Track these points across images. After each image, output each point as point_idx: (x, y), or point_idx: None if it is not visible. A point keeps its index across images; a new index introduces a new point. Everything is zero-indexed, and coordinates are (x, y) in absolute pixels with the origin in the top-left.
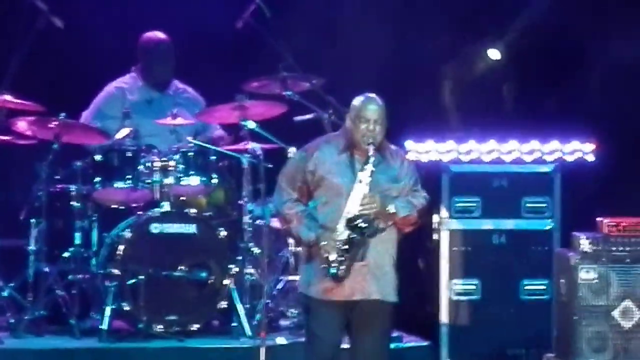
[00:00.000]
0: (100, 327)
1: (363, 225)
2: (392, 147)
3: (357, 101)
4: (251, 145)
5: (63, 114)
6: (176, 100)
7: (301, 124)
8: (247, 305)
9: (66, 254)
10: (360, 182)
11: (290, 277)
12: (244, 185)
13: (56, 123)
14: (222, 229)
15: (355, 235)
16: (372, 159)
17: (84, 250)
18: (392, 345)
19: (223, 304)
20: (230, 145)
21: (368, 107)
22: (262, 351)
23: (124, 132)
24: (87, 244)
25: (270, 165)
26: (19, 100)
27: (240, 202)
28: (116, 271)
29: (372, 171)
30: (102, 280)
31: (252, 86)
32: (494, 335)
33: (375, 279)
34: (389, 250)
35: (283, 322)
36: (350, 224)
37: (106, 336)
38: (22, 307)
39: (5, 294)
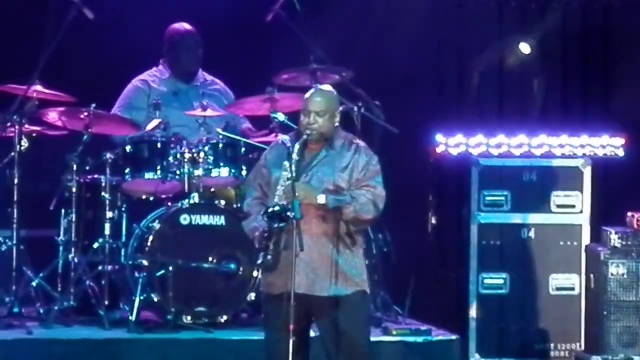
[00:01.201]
0: (128, 317)
1: (280, 213)
2: (354, 140)
3: (307, 93)
4: (280, 137)
5: (93, 105)
6: (203, 92)
7: None
8: None
9: (95, 245)
10: (286, 171)
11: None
12: None
13: (86, 114)
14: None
15: (274, 223)
16: (296, 148)
17: (113, 241)
18: (421, 339)
19: (252, 296)
20: (259, 138)
21: (311, 99)
22: (291, 343)
23: (154, 123)
24: (116, 234)
25: (299, 158)
26: (49, 91)
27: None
28: (145, 262)
29: (295, 160)
30: (131, 271)
31: (282, 78)
32: (522, 330)
33: (304, 273)
34: (326, 243)
35: None
36: (267, 212)
37: (135, 327)
38: (51, 297)
39: (34, 284)
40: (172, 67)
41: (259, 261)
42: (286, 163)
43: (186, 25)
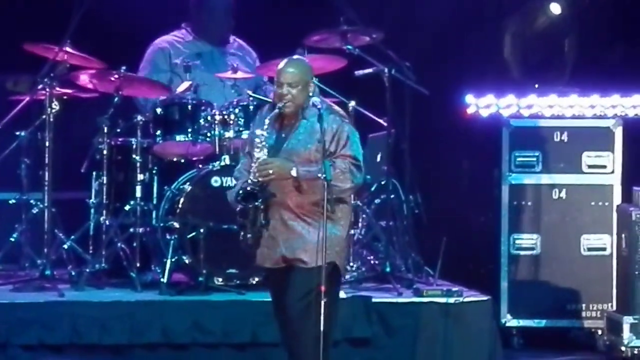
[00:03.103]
0: (160, 280)
1: (253, 192)
2: (329, 109)
3: (280, 64)
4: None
5: (124, 67)
6: (227, 54)
7: (362, 78)
8: None
9: (127, 207)
10: (257, 147)
11: (351, 231)
12: None
13: (117, 76)
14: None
15: (247, 203)
16: (267, 122)
17: (145, 203)
18: (453, 300)
19: None
20: None
21: (284, 70)
22: (322, 304)
23: (184, 85)
24: (147, 197)
25: None
26: (80, 54)
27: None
28: (176, 224)
29: (264, 136)
30: (162, 234)
31: (313, 40)
32: (553, 291)
33: (276, 244)
34: (303, 216)
35: None
36: (239, 192)
37: (166, 289)
38: (82, 260)
39: (66, 246)
40: (201, 31)
41: (240, 239)
42: (257, 140)
43: None
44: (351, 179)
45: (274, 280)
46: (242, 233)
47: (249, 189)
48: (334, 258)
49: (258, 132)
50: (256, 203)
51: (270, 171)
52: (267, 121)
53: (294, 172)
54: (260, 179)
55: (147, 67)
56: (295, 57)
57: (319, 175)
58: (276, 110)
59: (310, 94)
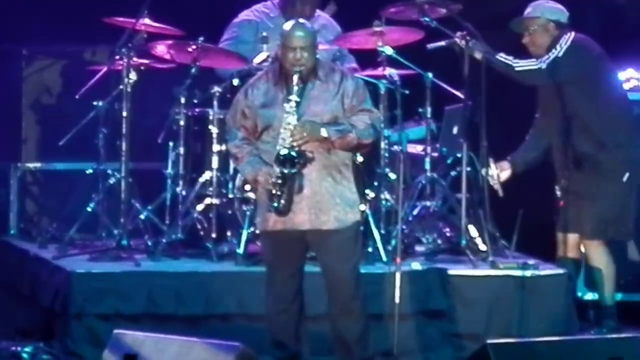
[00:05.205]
0: (236, 250)
1: (292, 157)
2: (334, 66)
3: (285, 27)
4: (388, 71)
5: (201, 38)
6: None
7: (435, 50)
8: (383, 231)
9: (203, 178)
10: (288, 113)
11: (427, 203)
12: (381, 111)
13: (194, 47)
14: (358, 154)
15: (286, 169)
16: (295, 89)
17: (221, 174)
18: (529, 273)
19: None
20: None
21: (294, 34)
22: (398, 276)
23: (261, 56)
24: (224, 167)
25: (406, 92)
26: (157, 24)
27: (379, 130)
28: (253, 195)
29: (296, 102)
30: (239, 204)
31: (389, 12)
32: (632, 265)
33: (307, 209)
34: (328, 176)
35: (418, 248)
36: (279, 158)
37: (242, 260)
38: (159, 230)
39: (142, 217)
40: (284, 5)
41: (275, 206)
42: (287, 105)
43: None
44: (374, 133)
45: (275, 242)
46: (277, 200)
47: (294, 154)
48: (358, 216)
49: (292, 97)
50: (294, 169)
51: (304, 134)
52: (295, 88)
53: (324, 133)
54: (294, 144)
55: (229, 37)
56: (300, 20)
57: (350, 134)
58: (296, 74)
59: (317, 55)
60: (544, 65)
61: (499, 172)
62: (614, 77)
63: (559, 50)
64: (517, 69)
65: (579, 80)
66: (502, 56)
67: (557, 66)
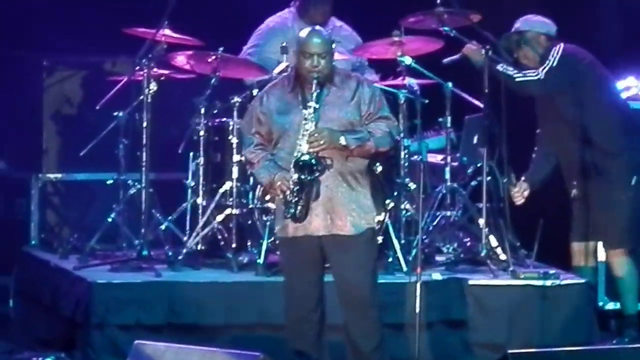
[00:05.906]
0: (256, 260)
1: (310, 163)
2: (350, 73)
3: (301, 34)
4: (408, 80)
5: (221, 48)
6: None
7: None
8: (403, 241)
9: (223, 188)
10: (306, 119)
11: (447, 213)
12: (401, 120)
13: (214, 57)
14: (378, 164)
15: (304, 176)
16: (314, 95)
17: (241, 184)
18: (549, 283)
19: (379, 239)
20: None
21: (311, 41)
22: (419, 286)
23: (282, 66)
24: (244, 178)
25: (426, 101)
26: (178, 35)
27: (396, 137)
28: (273, 205)
29: (315, 108)
30: (259, 215)
31: (409, 21)
32: None
33: (323, 215)
34: (344, 182)
35: (439, 258)
36: (298, 164)
37: (263, 270)
38: (179, 240)
39: (163, 227)
40: (302, 14)
41: (292, 212)
42: (305, 112)
43: None
44: (391, 141)
45: (294, 249)
46: (293, 207)
47: (312, 161)
48: (373, 224)
49: (311, 104)
50: (312, 176)
51: (322, 141)
52: (314, 94)
53: (342, 141)
54: (311, 150)
55: (253, 45)
56: (316, 27)
57: (368, 142)
58: (314, 81)
59: (332, 62)
60: (542, 76)
61: (523, 191)
62: (608, 83)
63: (552, 60)
64: (517, 79)
65: (574, 89)
66: (502, 66)
67: (552, 77)
